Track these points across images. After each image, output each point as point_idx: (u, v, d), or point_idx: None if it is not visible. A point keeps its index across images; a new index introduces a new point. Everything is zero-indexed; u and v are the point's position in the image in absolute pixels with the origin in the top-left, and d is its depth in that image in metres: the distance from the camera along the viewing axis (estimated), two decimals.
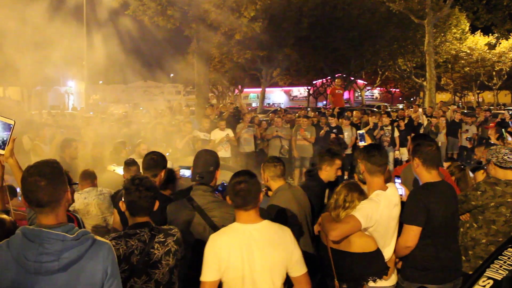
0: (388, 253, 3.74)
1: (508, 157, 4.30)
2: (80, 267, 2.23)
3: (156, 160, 4.28)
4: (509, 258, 3.27)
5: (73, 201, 4.19)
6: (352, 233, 3.53)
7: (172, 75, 64.74)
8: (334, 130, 11.67)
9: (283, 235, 3.02)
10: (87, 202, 5.43)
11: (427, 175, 3.81)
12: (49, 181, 2.27)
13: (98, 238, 2.36)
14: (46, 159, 2.43)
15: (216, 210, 3.71)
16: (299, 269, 3.01)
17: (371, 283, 3.60)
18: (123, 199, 3.17)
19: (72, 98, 46.34)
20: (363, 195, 3.71)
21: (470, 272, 4.01)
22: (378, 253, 3.56)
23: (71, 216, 3.74)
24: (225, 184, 4.18)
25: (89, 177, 5.75)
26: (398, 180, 4.53)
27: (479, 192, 4.24)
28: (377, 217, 3.58)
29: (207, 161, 3.92)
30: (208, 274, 2.91)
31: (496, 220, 4.16)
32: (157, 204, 3.20)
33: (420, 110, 16.34)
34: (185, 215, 3.75)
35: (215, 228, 3.64)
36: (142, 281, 3.01)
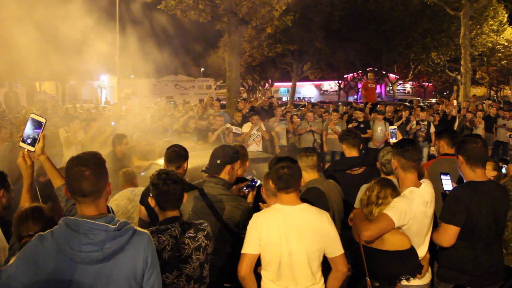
0: (422, 251, 3.66)
1: None
2: (123, 257, 2.29)
3: (178, 152, 4.34)
4: None
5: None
6: (386, 232, 3.45)
7: (203, 69, 65.18)
8: (362, 125, 11.55)
9: (320, 217, 3.21)
10: (118, 204, 5.25)
11: (471, 174, 3.61)
12: (93, 171, 2.34)
13: (138, 228, 2.42)
14: (89, 151, 2.50)
15: (225, 202, 3.82)
16: (335, 250, 3.19)
17: (404, 282, 3.52)
18: (151, 195, 3.19)
19: (105, 92, 47.16)
20: (396, 192, 3.62)
21: None
22: (412, 251, 3.48)
23: None
24: (255, 180, 4.18)
25: (129, 177, 5.73)
26: (446, 177, 4.12)
27: None
28: (411, 215, 3.50)
29: (215, 154, 4.05)
30: (248, 247, 3.19)
31: None
32: (185, 197, 3.23)
33: (455, 103, 15.91)
34: (195, 205, 3.86)
35: (221, 219, 3.76)
36: (174, 276, 3.04)
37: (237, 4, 14.82)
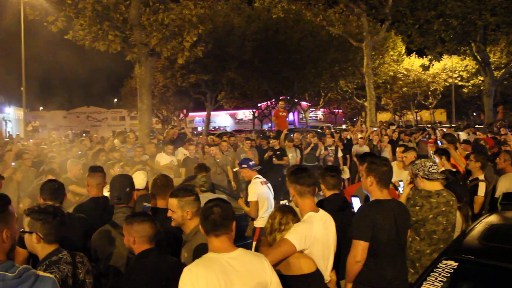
0: (328, 275, 3.76)
1: (433, 169, 4.51)
2: None
3: (57, 188, 4.27)
4: (443, 270, 3.39)
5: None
6: (287, 256, 3.50)
7: (116, 100, 63.79)
8: (278, 153, 11.79)
9: (259, 262, 2.97)
10: None
11: (379, 194, 3.93)
12: None
13: (41, 273, 2.23)
14: None
15: None
16: None
17: None
18: (28, 229, 3.02)
19: (10, 125, 44.88)
20: (296, 217, 3.73)
21: None
22: (317, 273, 3.56)
23: None
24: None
25: None
26: (356, 199, 4.62)
27: (417, 208, 4.37)
28: (312, 238, 3.60)
29: (122, 183, 4.17)
30: None
31: (436, 229, 4.33)
32: None
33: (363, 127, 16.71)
34: (111, 241, 3.73)
35: None
36: None
37: (147, 35, 14.72)
